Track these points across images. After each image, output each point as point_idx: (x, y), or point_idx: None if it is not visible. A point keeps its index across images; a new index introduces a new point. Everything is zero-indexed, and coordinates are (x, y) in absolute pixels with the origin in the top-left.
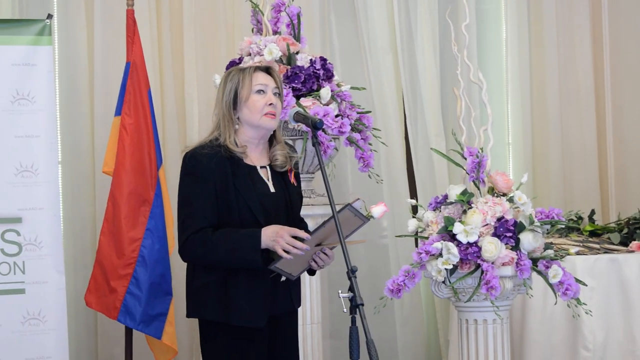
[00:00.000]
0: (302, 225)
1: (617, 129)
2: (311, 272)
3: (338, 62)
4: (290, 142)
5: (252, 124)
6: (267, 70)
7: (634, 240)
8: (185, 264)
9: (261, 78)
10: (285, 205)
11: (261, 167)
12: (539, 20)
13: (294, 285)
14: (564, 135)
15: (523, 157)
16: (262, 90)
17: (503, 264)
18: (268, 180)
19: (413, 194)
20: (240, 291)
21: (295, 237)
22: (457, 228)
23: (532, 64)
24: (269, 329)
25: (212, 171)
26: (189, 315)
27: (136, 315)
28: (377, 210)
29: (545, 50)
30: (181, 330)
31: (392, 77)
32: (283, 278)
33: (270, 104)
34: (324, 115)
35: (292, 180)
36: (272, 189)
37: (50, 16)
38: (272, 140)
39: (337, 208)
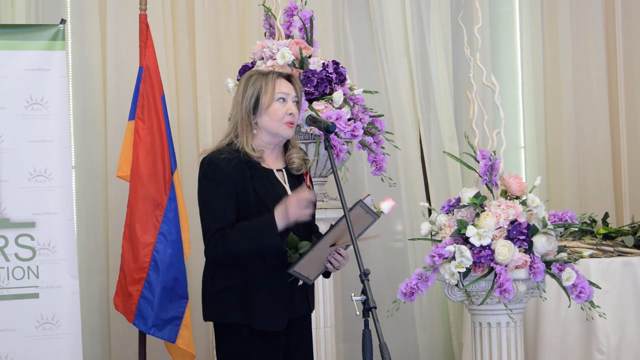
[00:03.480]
0: (314, 228)
1: (630, 131)
2: (326, 274)
3: (354, 66)
4: (303, 146)
5: (271, 131)
6: (289, 78)
7: None
8: (202, 268)
9: (284, 86)
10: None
11: (277, 170)
12: (552, 23)
13: (310, 288)
14: (578, 138)
15: (537, 160)
16: (283, 99)
17: (516, 267)
18: (285, 182)
19: (426, 197)
20: (261, 295)
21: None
22: (470, 231)
23: (545, 67)
24: (285, 332)
25: (231, 175)
26: (207, 318)
27: (148, 319)
28: (385, 205)
29: (559, 52)
30: (198, 334)
31: (407, 81)
32: (300, 282)
33: (290, 114)
34: (337, 119)
35: (308, 183)
36: (289, 192)
37: (63, 21)
38: (286, 144)
39: (349, 207)
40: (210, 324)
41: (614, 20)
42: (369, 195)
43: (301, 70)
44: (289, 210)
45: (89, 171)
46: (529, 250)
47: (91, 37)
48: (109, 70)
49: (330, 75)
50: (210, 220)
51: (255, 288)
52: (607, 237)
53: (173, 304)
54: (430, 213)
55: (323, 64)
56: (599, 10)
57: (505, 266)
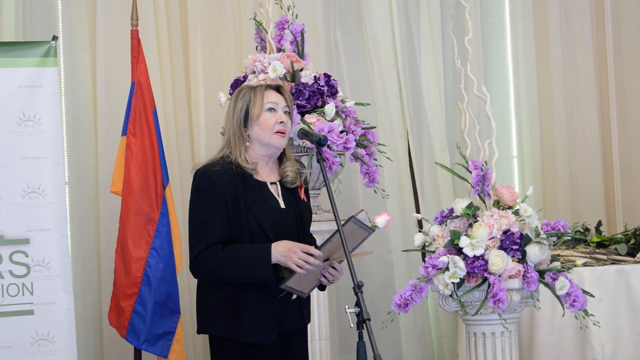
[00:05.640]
0: (311, 241)
1: (622, 140)
2: (322, 287)
3: (346, 79)
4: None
5: (262, 141)
6: (278, 88)
7: None
8: (196, 281)
9: (272, 96)
10: (296, 221)
11: (271, 184)
12: (543, 32)
13: (305, 302)
14: (570, 147)
15: (532, 169)
16: (273, 109)
17: (510, 277)
18: (278, 196)
19: (416, 208)
20: (251, 307)
21: (307, 254)
22: (464, 241)
23: (537, 76)
24: (280, 345)
25: (223, 188)
26: (200, 331)
27: (140, 334)
28: (381, 220)
29: (549, 62)
30: (198, 346)
31: (396, 93)
32: (294, 296)
33: (281, 122)
34: (329, 132)
35: (303, 196)
36: (282, 205)
37: (55, 38)
38: (281, 157)
39: (342, 222)
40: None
41: (604, 30)
42: (362, 210)
43: (293, 84)
44: (289, 255)
45: (83, 187)
46: (522, 259)
47: (82, 53)
48: (100, 86)
49: (322, 88)
50: (199, 234)
51: (245, 300)
52: (600, 245)
53: (165, 318)
54: (421, 224)
55: (314, 76)
56: (589, 21)
57: (499, 276)
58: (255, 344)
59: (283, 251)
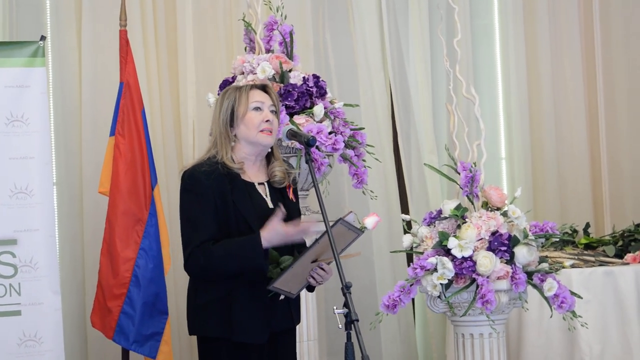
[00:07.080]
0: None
1: (610, 141)
2: (310, 288)
3: (334, 80)
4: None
5: (249, 140)
6: (264, 88)
7: (629, 252)
8: (182, 283)
9: (258, 95)
10: (285, 221)
11: (259, 184)
12: (532, 34)
13: (294, 302)
14: (559, 149)
15: (520, 171)
16: (258, 108)
17: (498, 278)
18: (266, 196)
19: (405, 210)
20: (243, 307)
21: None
22: (452, 243)
23: (527, 78)
24: (269, 346)
25: (211, 188)
26: (191, 332)
27: (129, 335)
28: (370, 221)
29: (538, 64)
30: (185, 348)
31: (384, 95)
32: (282, 297)
33: (267, 121)
34: (318, 133)
35: (291, 196)
36: (270, 205)
37: (43, 38)
38: (269, 157)
39: (331, 224)
40: (194, 338)
41: (592, 32)
42: (351, 212)
43: (282, 84)
44: (279, 237)
45: (71, 187)
46: (510, 261)
47: (70, 53)
48: (87, 86)
49: (311, 89)
50: (191, 234)
51: (237, 301)
52: (588, 247)
53: (153, 319)
54: (409, 225)
55: (303, 77)
56: (577, 22)
57: (487, 277)
58: (247, 344)
59: (271, 238)
